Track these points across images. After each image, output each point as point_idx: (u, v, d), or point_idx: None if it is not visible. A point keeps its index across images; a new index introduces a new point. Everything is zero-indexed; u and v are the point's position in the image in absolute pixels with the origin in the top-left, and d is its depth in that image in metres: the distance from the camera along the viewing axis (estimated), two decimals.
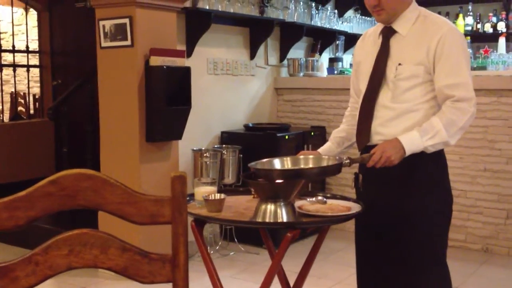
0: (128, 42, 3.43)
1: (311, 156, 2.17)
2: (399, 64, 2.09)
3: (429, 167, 2.12)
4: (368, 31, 2.34)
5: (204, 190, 2.20)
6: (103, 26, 3.52)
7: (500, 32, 5.75)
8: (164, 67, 3.42)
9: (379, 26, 2.22)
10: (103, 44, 3.55)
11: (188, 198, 2.24)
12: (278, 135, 4.24)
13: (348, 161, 2.03)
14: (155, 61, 3.44)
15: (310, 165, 2.10)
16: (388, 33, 2.16)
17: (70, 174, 1.14)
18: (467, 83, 2.04)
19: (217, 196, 2.16)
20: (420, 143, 2.01)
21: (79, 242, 1.16)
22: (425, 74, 2.07)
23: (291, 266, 2.72)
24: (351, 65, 2.90)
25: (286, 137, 4.30)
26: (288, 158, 2.15)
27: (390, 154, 1.99)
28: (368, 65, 2.20)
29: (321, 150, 2.32)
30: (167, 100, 3.45)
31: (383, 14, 2.12)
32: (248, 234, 4.00)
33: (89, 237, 1.17)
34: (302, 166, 2.11)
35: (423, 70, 2.07)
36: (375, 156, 2.01)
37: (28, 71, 6.10)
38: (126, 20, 3.42)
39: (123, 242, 1.18)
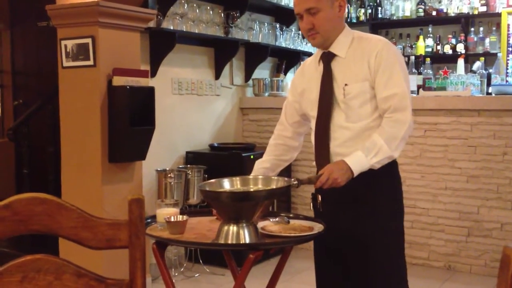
0: (91, 62, 3.40)
1: (260, 176, 2.17)
2: (346, 84, 2.13)
3: (383, 186, 2.16)
4: (307, 61, 2.37)
5: (166, 212, 2.18)
6: (65, 46, 3.47)
7: (459, 53, 5.90)
8: (127, 87, 3.39)
9: (317, 54, 2.27)
10: (65, 64, 3.50)
11: (150, 220, 2.22)
12: (243, 155, 4.24)
13: (296, 182, 2.03)
14: (118, 81, 3.40)
15: (259, 186, 2.10)
16: (327, 57, 2.20)
17: (23, 198, 1.12)
18: (403, 92, 2.07)
19: (179, 217, 2.14)
20: (365, 162, 2.03)
21: (33, 268, 1.13)
22: (370, 89, 2.12)
23: (256, 286, 2.71)
24: None
25: (252, 156, 4.30)
26: (238, 179, 2.14)
27: (337, 176, 2.00)
28: (314, 91, 2.23)
29: None
30: (130, 120, 3.41)
31: (317, 38, 2.17)
32: (213, 255, 3.96)
33: (43, 263, 1.14)
34: (250, 187, 2.10)
35: (368, 85, 2.11)
36: (322, 177, 2.02)
37: None
38: (89, 40, 3.38)
39: (79, 267, 1.15)
